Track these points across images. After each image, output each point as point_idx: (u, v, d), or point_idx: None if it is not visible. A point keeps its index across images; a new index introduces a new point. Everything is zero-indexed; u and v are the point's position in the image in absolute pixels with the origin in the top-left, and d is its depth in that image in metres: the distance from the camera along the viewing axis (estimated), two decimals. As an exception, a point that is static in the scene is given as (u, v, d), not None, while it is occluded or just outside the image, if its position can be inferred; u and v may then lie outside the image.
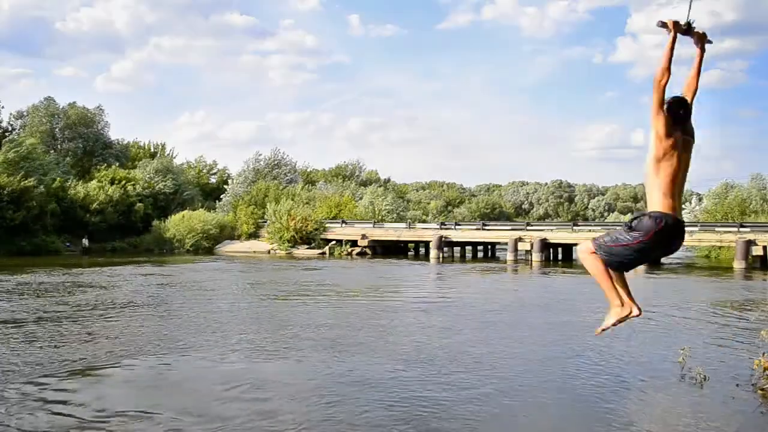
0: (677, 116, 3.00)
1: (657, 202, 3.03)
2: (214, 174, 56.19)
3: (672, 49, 2.87)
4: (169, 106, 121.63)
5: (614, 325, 3.32)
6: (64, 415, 6.44)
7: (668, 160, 3.00)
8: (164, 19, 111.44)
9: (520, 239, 30.81)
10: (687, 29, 2.85)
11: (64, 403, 6.83)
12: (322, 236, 36.14)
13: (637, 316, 3.30)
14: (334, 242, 35.53)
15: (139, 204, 38.17)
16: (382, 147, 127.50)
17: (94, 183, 37.52)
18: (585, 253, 3.26)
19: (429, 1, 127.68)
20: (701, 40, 2.99)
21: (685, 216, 42.97)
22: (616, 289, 3.24)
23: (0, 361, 8.59)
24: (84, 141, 45.08)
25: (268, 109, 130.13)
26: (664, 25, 2.82)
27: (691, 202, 45.71)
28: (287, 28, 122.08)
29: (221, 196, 46.40)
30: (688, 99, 3.07)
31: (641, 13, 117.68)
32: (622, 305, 3.23)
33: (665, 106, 2.99)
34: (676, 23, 2.86)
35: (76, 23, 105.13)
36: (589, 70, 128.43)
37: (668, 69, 2.90)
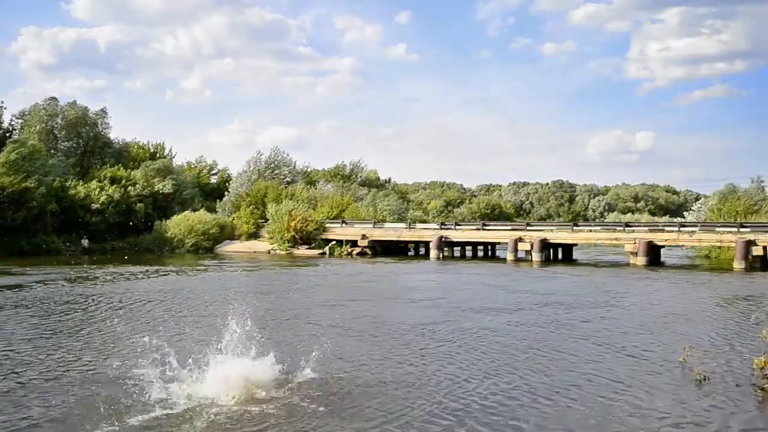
0: None
1: None
2: (215, 174, 56.15)
3: None
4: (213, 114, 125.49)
5: None
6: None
7: None
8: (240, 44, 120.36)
9: (520, 239, 30.79)
10: None
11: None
12: (323, 236, 36.11)
13: None
14: (334, 242, 35.49)
15: (139, 204, 38.07)
16: (382, 147, 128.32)
17: (94, 183, 37.45)
18: None
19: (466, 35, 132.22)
20: None
21: (691, 217, 42.80)
22: None
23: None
24: (84, 141, 44.98)
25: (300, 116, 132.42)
26: None
27: (694, 203, 45.64)
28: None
29: (223, 194, 46.38)
30: None
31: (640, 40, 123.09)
32: None
33: None
34: None
35: (160, 44, 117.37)
36: (607, 84, 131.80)
37: None
